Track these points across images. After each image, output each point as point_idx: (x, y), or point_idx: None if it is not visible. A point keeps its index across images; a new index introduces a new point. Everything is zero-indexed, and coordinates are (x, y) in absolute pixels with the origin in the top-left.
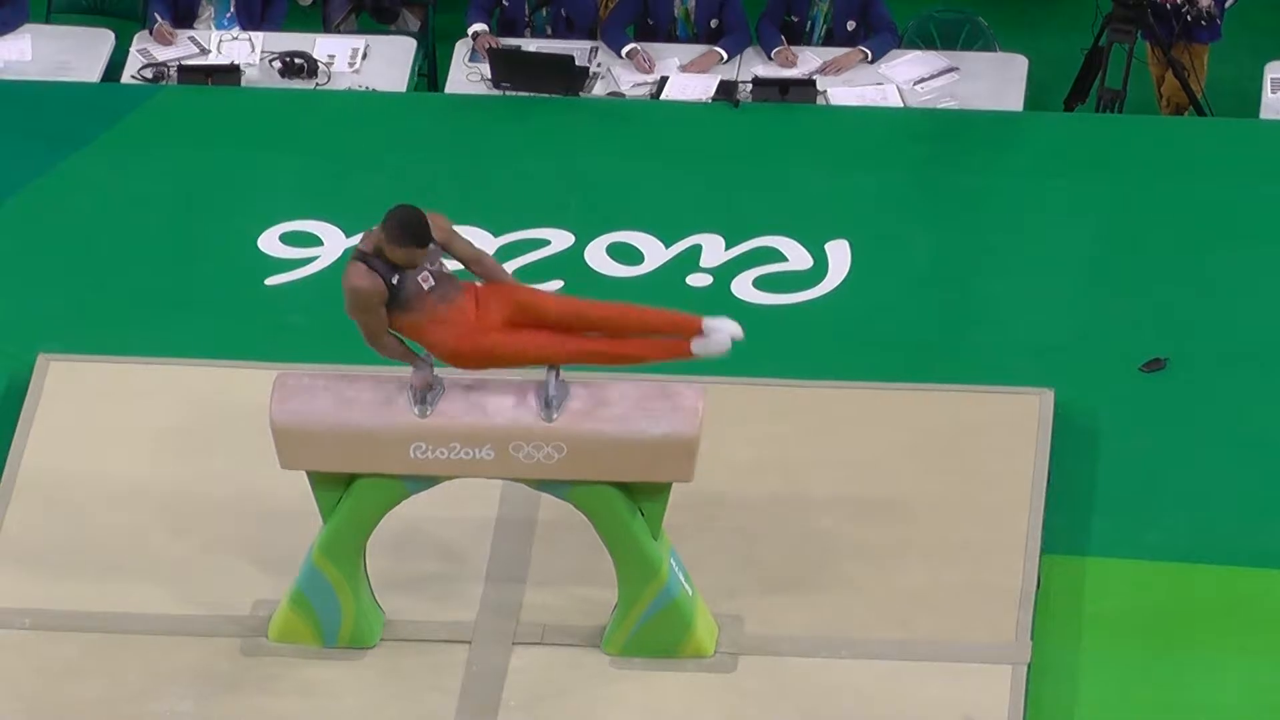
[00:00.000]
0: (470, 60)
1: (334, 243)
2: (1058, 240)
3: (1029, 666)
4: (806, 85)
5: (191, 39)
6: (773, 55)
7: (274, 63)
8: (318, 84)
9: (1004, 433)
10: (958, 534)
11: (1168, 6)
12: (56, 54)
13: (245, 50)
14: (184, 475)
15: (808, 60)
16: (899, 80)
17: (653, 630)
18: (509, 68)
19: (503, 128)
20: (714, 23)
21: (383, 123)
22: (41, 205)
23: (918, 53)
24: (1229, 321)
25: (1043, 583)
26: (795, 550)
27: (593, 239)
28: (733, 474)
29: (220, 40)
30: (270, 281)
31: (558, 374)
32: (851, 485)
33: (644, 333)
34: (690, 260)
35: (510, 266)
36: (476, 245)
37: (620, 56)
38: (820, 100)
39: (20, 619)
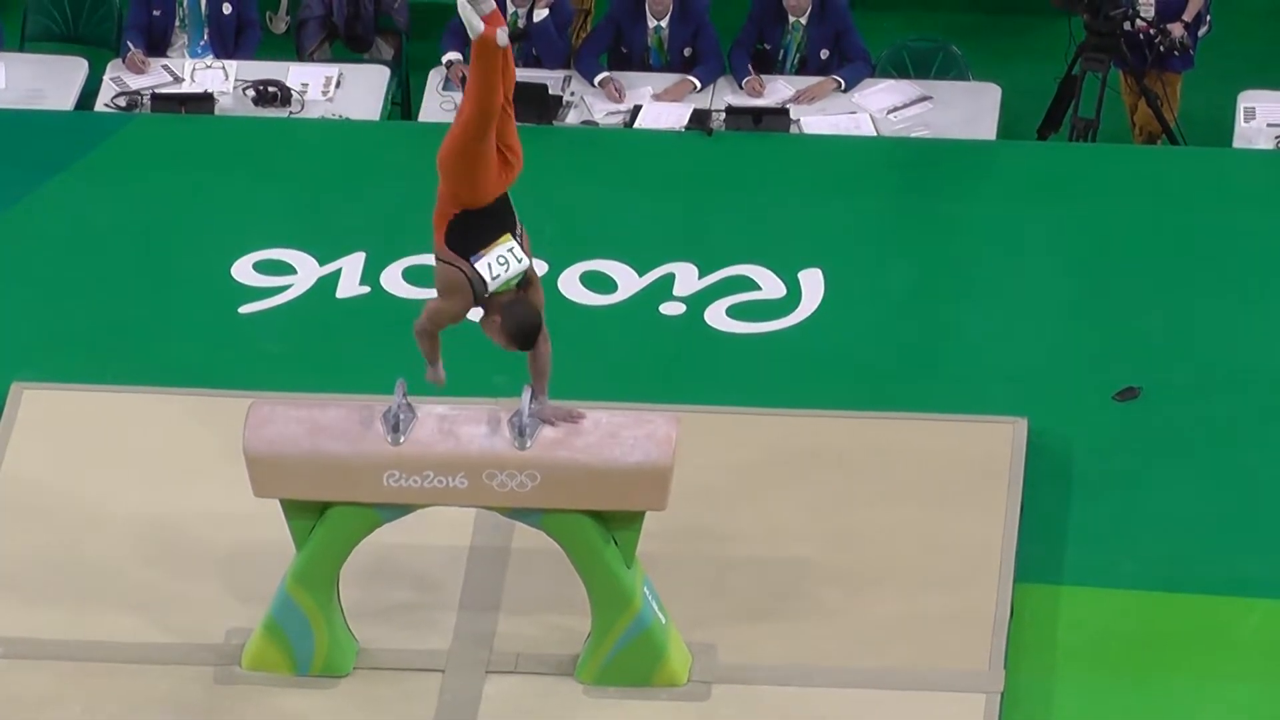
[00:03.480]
0: (444, 89)
1: (307, 271)
2: (1031, 269)
3: (1002, 695)
4: (780, 114)
5: (165, 67)
6: (742, 84)
7: (248, 91)
8: (291, 112)
9: (978, 461)
10: (931, 562)
11: (1141, 36)
12: (30, 81)
13: (219, 78)
14: (158, 503)
15: (781, 89)
16: (872, 109)
17: (626, 659)
18: None
19: None
20: (687, 51)
21: (357, 151)
22: (14, 233)
23: (891, 81)
24: (1202, 350)
25: (1016, 611)
26: (769, 579)
27: (566, 267)
28: (706, 503)
29: (194, 69)
30: (244, 310)
31: (532, 401)
32: (825, 514)
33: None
34: (663, 289)
35: None
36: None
37: (593, 85)
38: (794, 129)
39: None
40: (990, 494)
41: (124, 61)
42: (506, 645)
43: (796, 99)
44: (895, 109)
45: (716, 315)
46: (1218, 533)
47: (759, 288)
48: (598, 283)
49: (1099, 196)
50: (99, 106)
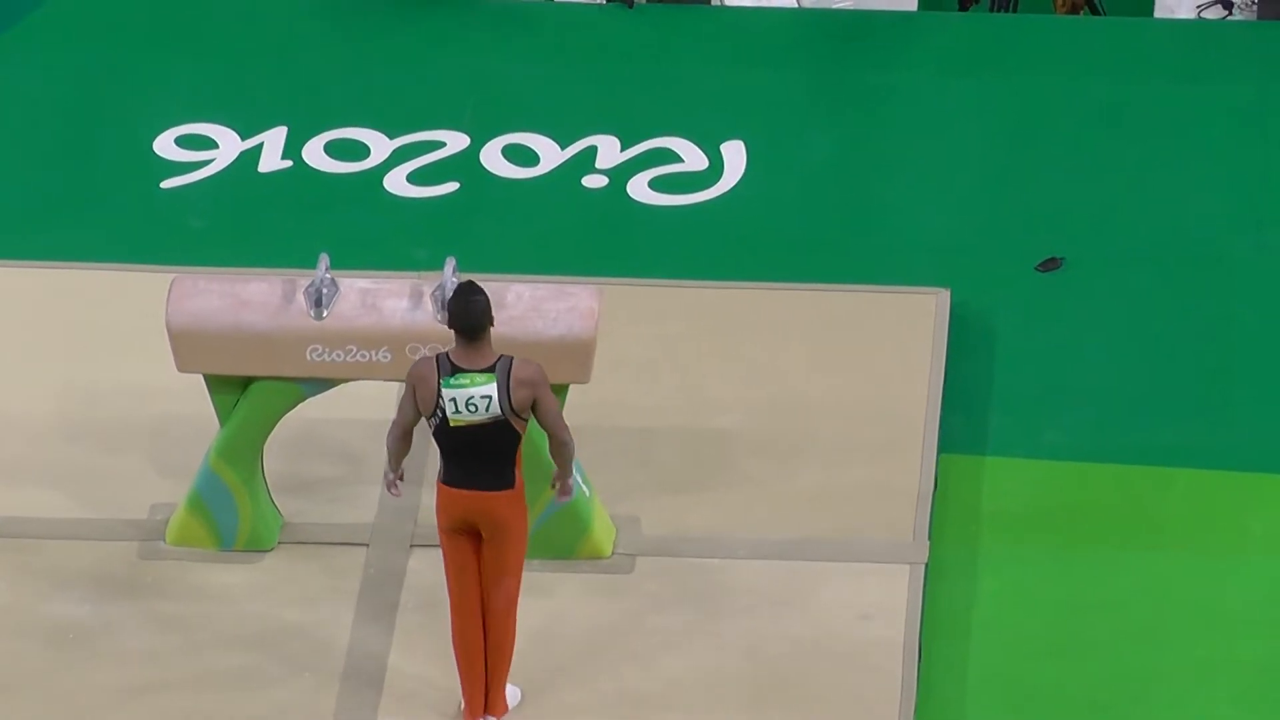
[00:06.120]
0: None
1: (229, 145)
2: (954, 140)
3: (927, 565)
4: None
5: None
6: None
7: None
8: None
9: (901, 332)
10: (855, 433)
11: None
12: None
13: None
14: (80, 378)
15: None
16: None
17: (550, 531)
18: None
19: (398, 28)
20: None
21: (278, 24)
22: None
23: None
24: (1124, 221)
25: (940, 482)
26: (692, 451)
27: (488, 140)
28: (630, 375)
29: None
30: (166, 184)
31: (454, 274)
32: (748, 385)
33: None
34: (586, 162)
35: (406, 169)
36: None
37: None
38: (715, 1)
39: None
40: (913, 364)
41: None
42: (430, 519)
43: None
44: None
45: (639, 188)
46: (1140, 403)
47: (681, 160)
48: (520, 155)
49: (1021, 68)
50: None
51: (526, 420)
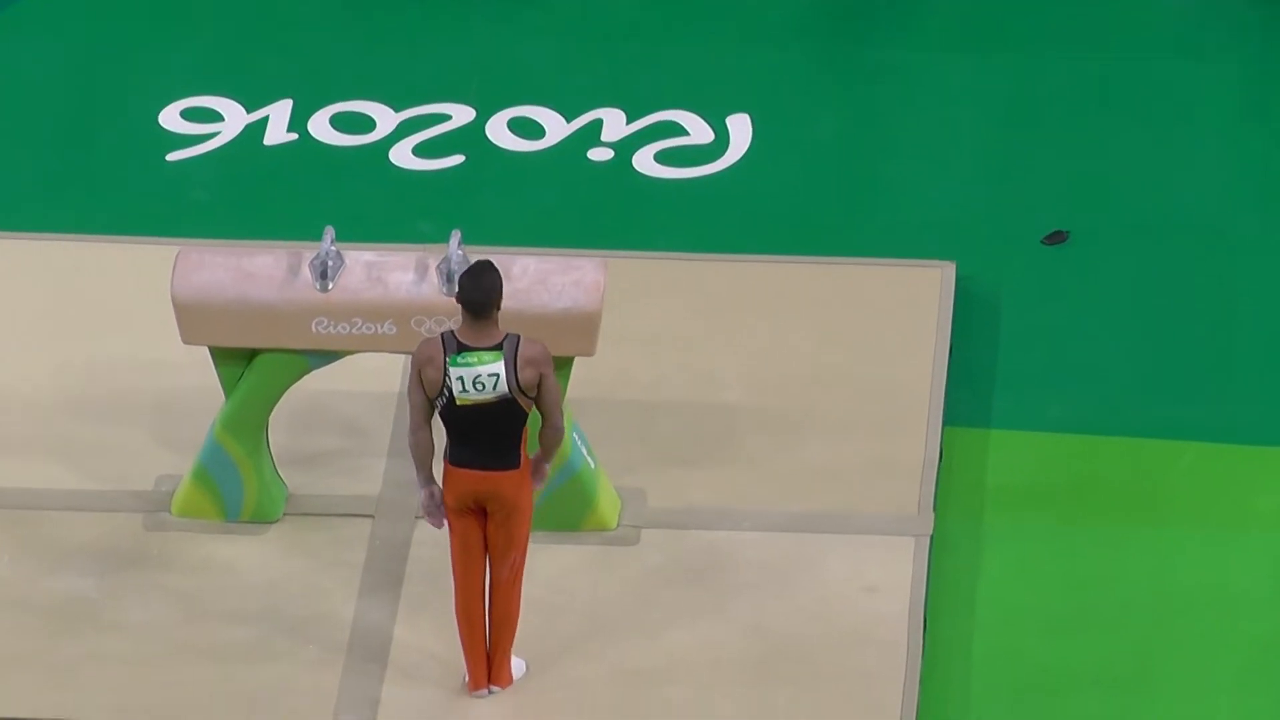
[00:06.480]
0: None
1: (235, 118)
2: (960, 114)
3: (931, 538)
4: None
5: None
6: None
7: None
8: None
9: (906, 306)
10: (860, 406)
11: None
12: None
13: None
14: (84, 351)
15: None
16: None
17: (555, 504)
18: None
19: (404, 1)
20: None
21: None
22: None
23: None
24: (1130, 194)
25: (945, 455)
26: (698, 424)
27: (494, 113)
28: (635, 348)
29: None
30: (172, 157)
31: (460, 247)
32: (753, 359)
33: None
34: (591, 135)
35: (411, 142)
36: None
37: None
38: None
39: None
40: (919, 338)
41: None
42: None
43: None
44: None
45: (645, 161)
46: (1145, 376)
47: (687, 133)
48: (526, 129)
49: (1027, 42)
50: None
51: (532, 400)
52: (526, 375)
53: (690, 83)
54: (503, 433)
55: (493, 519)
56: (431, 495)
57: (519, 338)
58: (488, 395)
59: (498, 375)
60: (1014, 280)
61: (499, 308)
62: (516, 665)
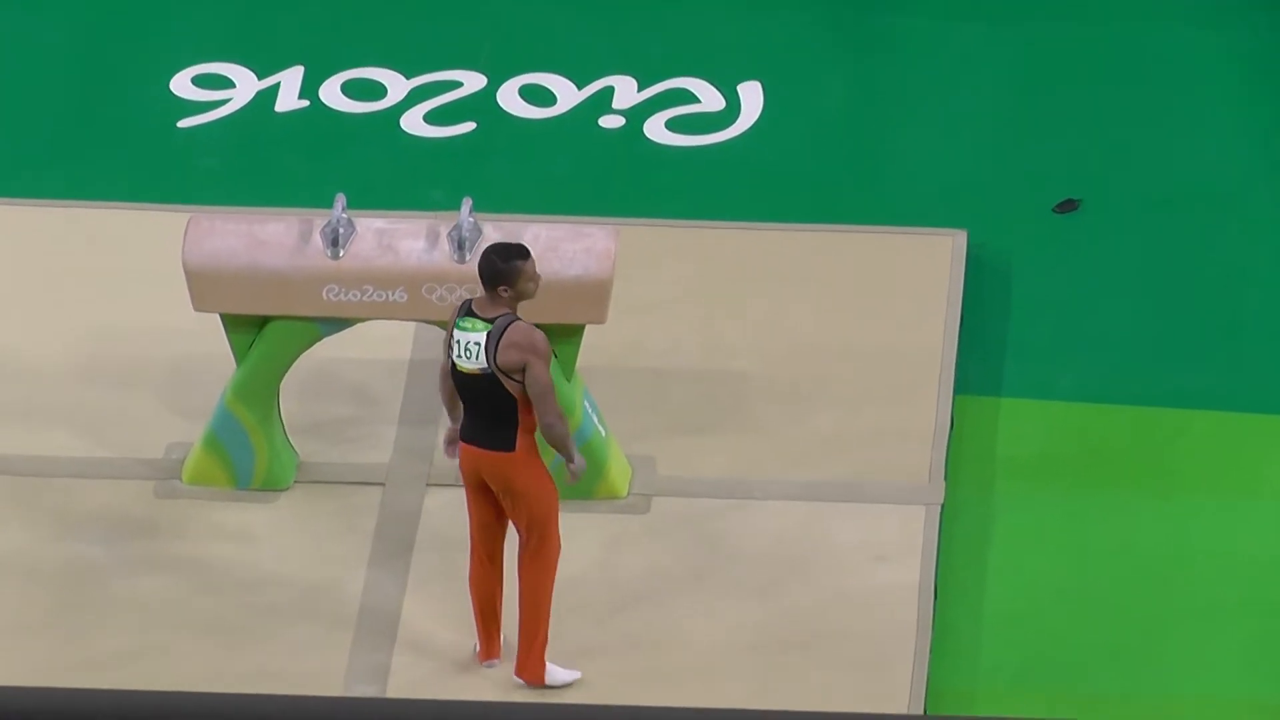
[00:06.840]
0: None
1: (246, 85)
2: (971, 82)
3: (943, 507)
4: None
5: None
6: None
7: None
8: None
9: (917, 274)
10: (871, 375)
11: None
12: None
13: None
14: (95, 318)
15: None
16: None
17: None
18: None
19: None
20: None
21: None
22: None
23: None
24: (1141, 163)
25: (956, 424)
26: (709, 392)
27: (505, 80)
28: (646, 316)
29: None
30: (183, 124)
31: (470, 214)
32: (764, 327)
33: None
34: (603, 102)
35: (423, 109)
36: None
37: None
38: None
39: None
40: (930, 307)
41: None
42: (445, 459)
43: None
44: None
45: (656, 128)
46: (1157, 345)
47: (698, 100)
48: (537, 96)
49: (1039, 10)
50: None
51: (519, 385)
52: (507, 357)
53: (701, 50)
54: (491, 411)
55: (500, 498)
56: (450, 436)
57: (514, 320)
58: (473, 364)
59: (480, 344)
60: (1025, 249)
61: (508, 291)
62: (564, 673)
